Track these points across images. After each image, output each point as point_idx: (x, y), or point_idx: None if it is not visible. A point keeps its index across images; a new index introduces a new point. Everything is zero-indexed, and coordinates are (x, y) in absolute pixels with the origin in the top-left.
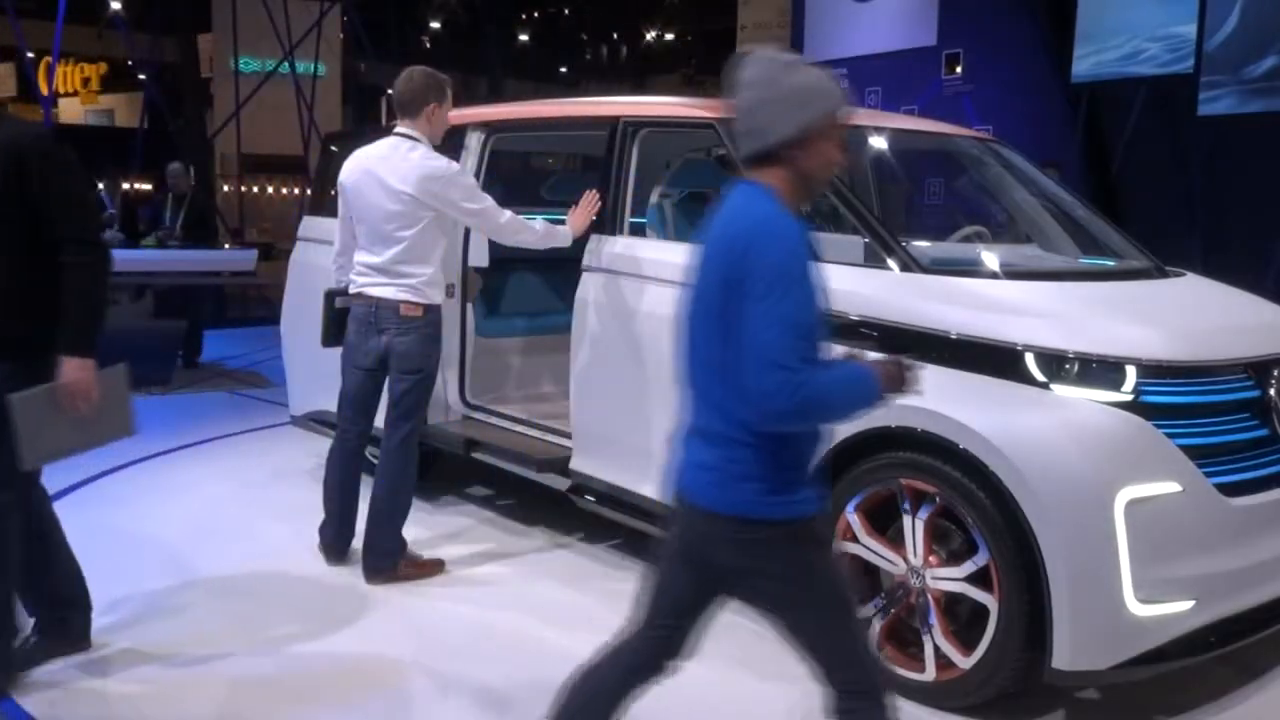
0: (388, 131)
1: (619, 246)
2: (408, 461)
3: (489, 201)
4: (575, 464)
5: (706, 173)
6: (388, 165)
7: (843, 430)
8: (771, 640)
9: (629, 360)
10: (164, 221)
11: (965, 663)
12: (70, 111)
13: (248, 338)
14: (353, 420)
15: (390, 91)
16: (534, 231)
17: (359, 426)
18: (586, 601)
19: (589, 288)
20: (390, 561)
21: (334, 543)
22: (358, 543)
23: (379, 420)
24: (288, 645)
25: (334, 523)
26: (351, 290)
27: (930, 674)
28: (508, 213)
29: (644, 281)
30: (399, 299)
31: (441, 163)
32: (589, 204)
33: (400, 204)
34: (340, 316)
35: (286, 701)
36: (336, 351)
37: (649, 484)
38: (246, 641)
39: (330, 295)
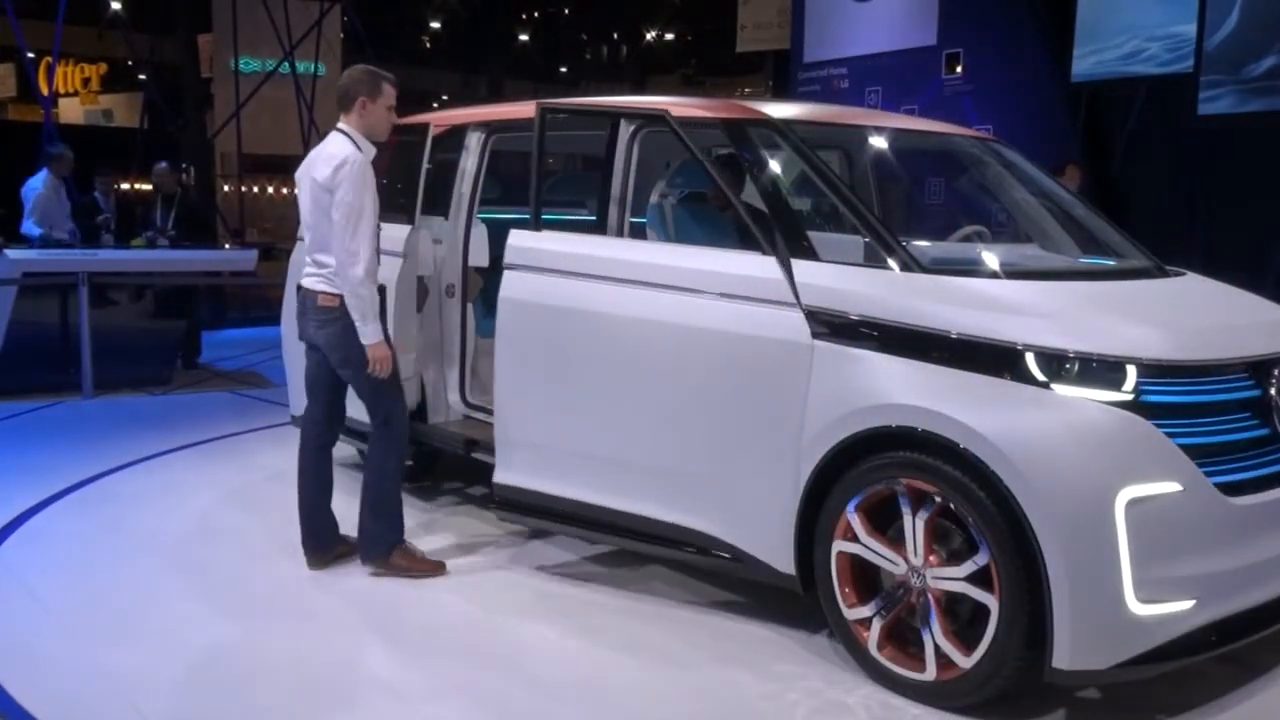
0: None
1: (541, 241)
2: (387, 451)
3: (366, 219)
4: (505, 478)
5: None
6: (314, 160)
7: (842, 430)
8: (770, 640)
9: (563, 361)
10: (155, 222)
11: (966, 662)
12: (70, 112)
13: (247, 338)
14: (309, 405)
15: None
16: (362, 284)
17: (313, 413)
18: (590, 600)
19: (512, 286)
20: (383, 549)
21: (305, 544)
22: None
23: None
24: (288, 643)
25: (304, 523)
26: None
27: (931, 674)
28: (365, 249)
29: (573, 279)
30: (317, 289)
31: (346, 150)
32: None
33: (313, 192)
34: None
35: (286, 699)
36: None
37: (609, 493)
38: (247, 640)
39: (300, 289)
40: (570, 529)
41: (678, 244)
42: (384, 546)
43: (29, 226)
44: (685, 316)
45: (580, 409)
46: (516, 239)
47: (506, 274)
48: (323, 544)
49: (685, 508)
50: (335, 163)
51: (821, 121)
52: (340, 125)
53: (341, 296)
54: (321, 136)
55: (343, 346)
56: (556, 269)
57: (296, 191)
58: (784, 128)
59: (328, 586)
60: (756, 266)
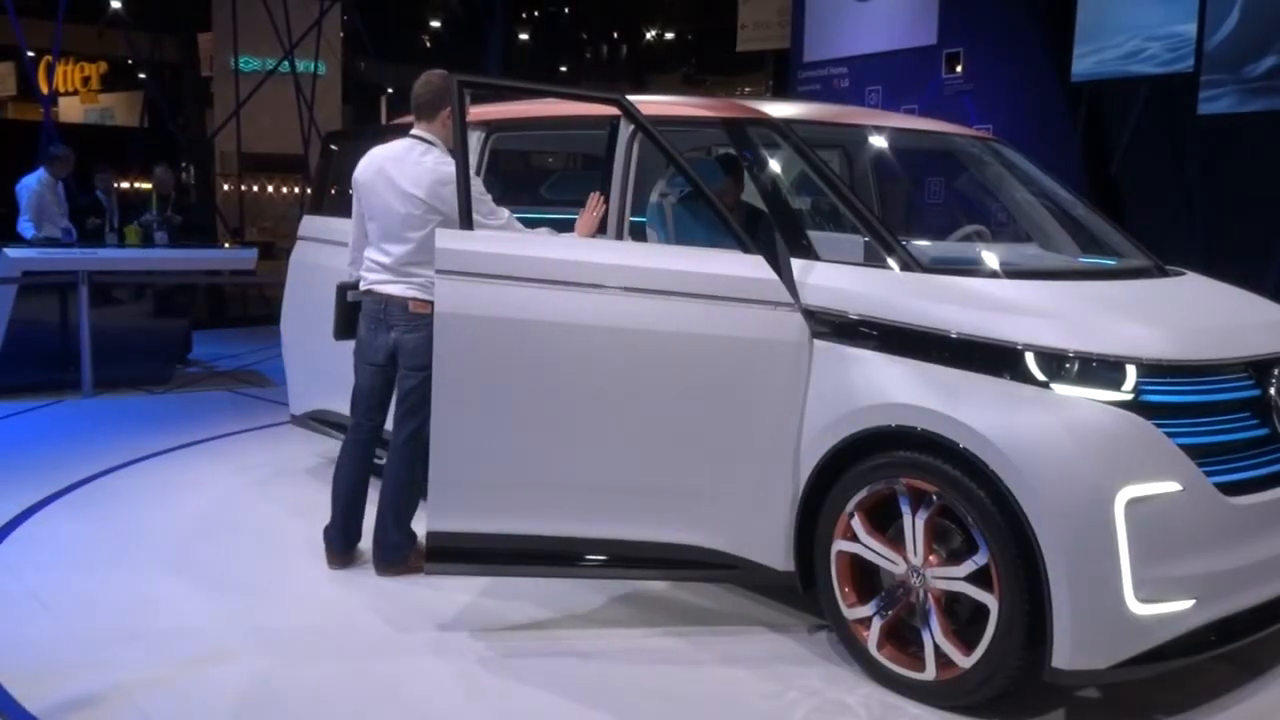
0: (391, 130)
1: (476, 243)
2: (414, 458)
3: (503, 215)
4: (443, 524)
5: (706, 172)
6: (400, 167)
7: (842, 429)
8: (770, 640)
9: (520, 382)
10: (148, 211)
11: (965, 662)
12: (71, 111)
13: (246, 337)
14: (366, 416)
15: (390, 90)
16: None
17: (372, 422)
18: (598, 597)
19: (448, 298)
20: (399, 554)
21: (335, 543)
22: (366, 542)
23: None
24: (292, 641)
25: (339, 521)
26: (362, 287)
27: (930, 673)
28: (515, 226)
29: (513, 284)
30: (408, 296)
31: (454, 168)
32: (594, 207)
33: (411, 206)
34: (352, 310)
35: (290, 695)
36: (336, 350)
37: (581, 522)
38: (249, 639)
39: (342, 289)
40: (526, 570)
41: (663, 245)
42: (403, 552)
43: (24, 225)
44: (673, 323)
45: (544, 434)
46: (445, 240)
47: (439, 282)
48: (351, 543)
49: (674, 522)
50: (451, 183)
51: (821, 121)
52: (421, 133)
53: (433, 303)
54: (321, 136)
55: (426, 351)
56: (507, 275)
57: (356, 193)
58: (784, 127)
59: (333, 582)
60: (751, 267)
